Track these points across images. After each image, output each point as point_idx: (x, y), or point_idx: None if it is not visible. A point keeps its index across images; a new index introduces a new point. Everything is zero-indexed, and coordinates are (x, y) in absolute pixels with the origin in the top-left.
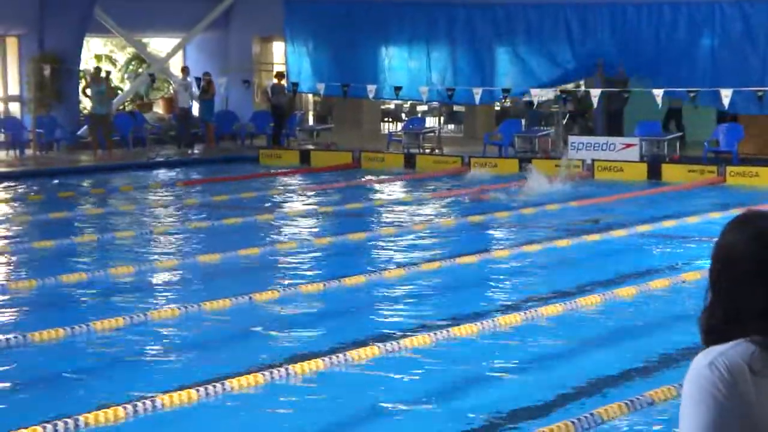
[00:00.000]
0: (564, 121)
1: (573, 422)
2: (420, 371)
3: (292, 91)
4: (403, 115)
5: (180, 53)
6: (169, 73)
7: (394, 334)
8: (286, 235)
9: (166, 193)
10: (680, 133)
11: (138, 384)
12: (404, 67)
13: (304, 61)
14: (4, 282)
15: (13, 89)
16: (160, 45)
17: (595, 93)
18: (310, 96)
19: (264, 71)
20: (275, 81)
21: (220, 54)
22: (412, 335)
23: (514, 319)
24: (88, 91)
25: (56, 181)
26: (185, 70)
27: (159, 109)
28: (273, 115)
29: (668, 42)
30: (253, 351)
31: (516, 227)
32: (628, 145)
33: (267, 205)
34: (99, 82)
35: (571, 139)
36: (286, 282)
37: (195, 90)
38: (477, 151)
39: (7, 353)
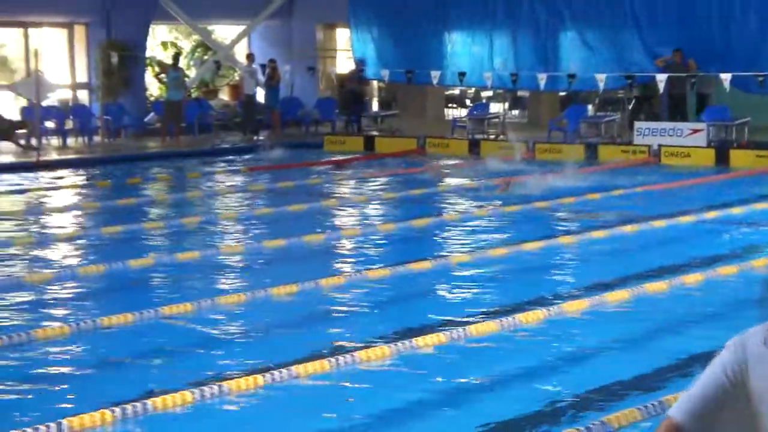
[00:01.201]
0: (630, 107)
1: (639, 409)
2: (484, 358)
3: (356, 78)
4: (468, 101)
5: (245, 40)
6: (234, 60)
7: (459, 320)
8: (350, 220)
9: (231, 180)
10: (747, 119)
11: (206, 369)
12: (467, 53)
13: (368, 47)
14: (73, 267)
15: (82, 77)
16: (225, 32)
17: (661, 78)
18: (375, 82)
19: (328, 58)
20: (352, 68)
21: (284, 41)
22: (477, 322)
23: (581, 305)
24: (163, 77)
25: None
26: (250, 56)
27: (224, 95)
28: (353, 102)
29: (739, 32)
30: (319, 337)
31: (581, 213)
32: (696, 131)
33: (331, 191)
34: (176, 68)
35: (637, 124)
36: (352, 267)
37: (260, 77)
38: (542, 137)
39: (77, 338)
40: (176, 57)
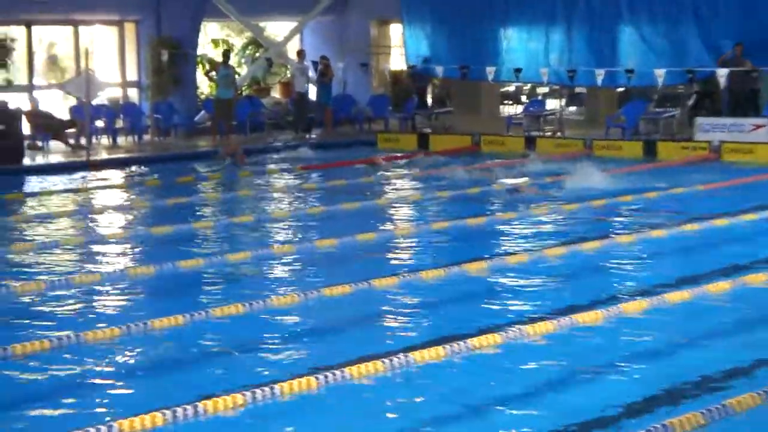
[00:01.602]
0: (691, 102)
1: (703, 413)
2: (541, 360)
3: (409, 74)
4: (524, 98)
5: (297, 37)
6: (286, 57)
7: (516, 320)
8: (404, 219)
9: (283, 178)
10: None
11: (258, 371)
12: (524, 49)
13: (422, 43)
14: (123, 268)
15: (132, 75)
16: (276, 29)
17: (722, 73)
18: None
19: (381, 54)
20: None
21: (337, 37)
22: (534, 322)
23: (641, 305)
24: (213, 75)
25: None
26: (302, 53)
27: (276, 93)
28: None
29: None
30: (373, 338)
31: (640, 212)
32: (759, 126)
33: (385, 189)
34: (227, 65)
35: (699, 120)
36: (406, 268)
37: (312, 74)
38: (599, 134)
39: (128, 340)
40: (227, 54)
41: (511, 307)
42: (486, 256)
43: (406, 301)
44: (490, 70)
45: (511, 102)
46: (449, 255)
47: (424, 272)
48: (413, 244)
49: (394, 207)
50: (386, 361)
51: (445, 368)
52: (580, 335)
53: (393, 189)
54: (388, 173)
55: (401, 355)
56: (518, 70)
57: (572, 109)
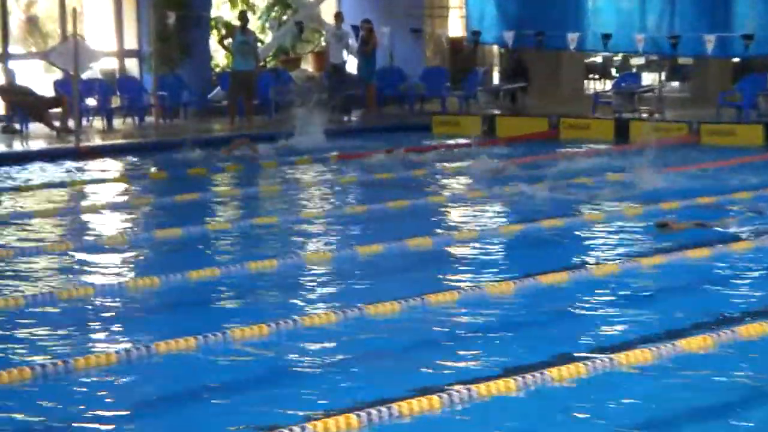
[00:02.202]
0: None
1: None
2: (634, 395)
3: (472, 42)
4: (614, 71)
5: None
6: (320, 20)
7: (604, 346)
8: (464, 221)
9: (316, 170)
10: None
11: (282, 409)
12: (614, 10)
13: (487, 5)
14: (120, 280)
15: (131, 43)
16: None
17: None
18: (495, 48)
19: (437, 18)
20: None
21: None
22: (626, 349)
23: (759, 328)
24: (227, 42)
25: (182, 155)
26: (339, 16)
27: (307, 65)
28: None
29: None
30: (427, 366)
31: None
32: None
33: (441, 184)
34: (244, 31)
35: None
36: (467, 280)
37: (352, 42)
38: (709, 115)
39: (127, 367)
40: (244, 17)
41: (595, 330)
42: (564, 266)
43: (468, 320)
44: (573, 37)
45: (598, 76)
46: (519, 265)
47: (489, 285)
48: (476, 252)
49: (452, 206)
50: (443, 395)
51: (514, 403)
52: (684, 365)
53: (451, 184)
54: (446, 164)
55: (461, 388)
56: (607, 37)
57: (674, 84)
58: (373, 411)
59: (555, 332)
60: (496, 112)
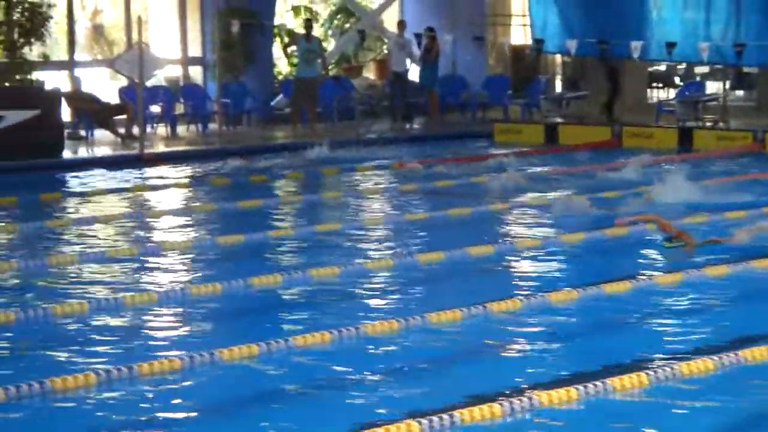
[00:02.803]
0: None
1: None
2: (698, 405)
3: (534, 50)
4: (677, 79)
5: (396, 4)
6: (382, 29)
7: (667, 356)
8: (527, 229)
9: (378, 178)
10: None
11: (346, 416)
12: (678, 19)
13: (550, 13)
14: (183, 286)
15: (195, 50)
16: None
17: None
18: (558, 56)
19: (500, 26)
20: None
21: (446, 5)
22: (689, 359)
23: None
24: (291, 50)
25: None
26: (402, 24)
27: (370, 73)
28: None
29: None
30: (489, 375)
31: None
32: None
33: (503, 192)
34: (309, 38)
35: None
36: (530, 288)
37: (414, 50)
38: None
39: (190, 373)
40: (309, 24)
41: (661, 339)
42: (627, 275)
43: (531, 329)
44: (636, 46)
45: (661, 85)
46: (584, 273)
47: (552, 294)
48: (539, 260)
49: (515, 213)
50: (505, 403)
51: (575, 413)
52: (748, 375)
53: (513, 191)
54: (508, 172)
55: (524, 397)
56: (671, 45)
57: (739, 93)
58: (435, 418)
59: (618, 341)
60: (559, 120)
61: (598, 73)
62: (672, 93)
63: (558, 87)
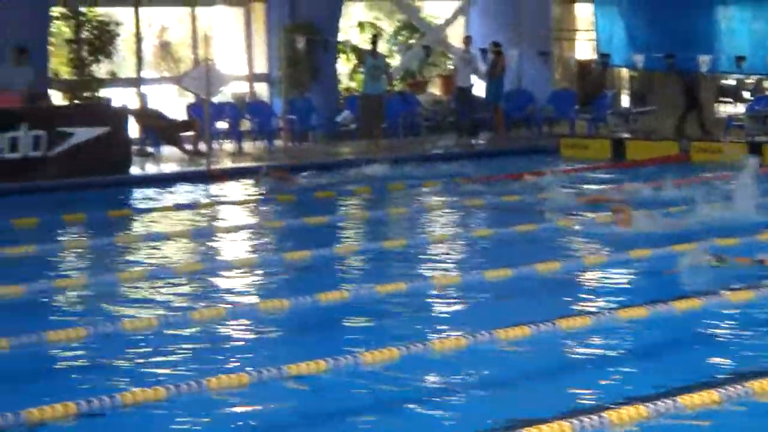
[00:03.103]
0: None
1: None
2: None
3: (601, 65)
4: (747, 94)
5: (461, 19)
6: (447, 44)
7: (739, 373)
8: (595, 245)
9: (444, 193)
10: None
11: (419, 427)
12: (746, 31)
13: (616, 27)
14: (250, 301)
15: (260, 67)
16: (436, 9)
17: None
18: (624, 71)
19: (566, 40)
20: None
21: (511, 20)
22: (762, 377)
23: None
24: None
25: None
26: (468, 40)
27: (435, 89)
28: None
29: None
30: (558, 393)
31: None
32: None
33: (570, 208)
34: (375, 54)
35: None
36: (599, 305)
37: (480, 65)
38: None
39: (258, 389)
40: (375, 40)
41: (729, 357)
42: (698, 291)
43: (600, 346)
44: (704, 59)
45: (730, 99)
46: (654, 290)
47: (622, 311)
48: (608, 276)
49: (581, 229)
50: (574, 421)
51: (650, 430)
52: None
53: (582, 207)
54: (578, 187)
55: (594, 416)
56: (740, 59)
57: None
58: None
59: (688, 358)
60: (626, 135)
61: (674, 88)
62: (741, 108)
63: (625, 102)
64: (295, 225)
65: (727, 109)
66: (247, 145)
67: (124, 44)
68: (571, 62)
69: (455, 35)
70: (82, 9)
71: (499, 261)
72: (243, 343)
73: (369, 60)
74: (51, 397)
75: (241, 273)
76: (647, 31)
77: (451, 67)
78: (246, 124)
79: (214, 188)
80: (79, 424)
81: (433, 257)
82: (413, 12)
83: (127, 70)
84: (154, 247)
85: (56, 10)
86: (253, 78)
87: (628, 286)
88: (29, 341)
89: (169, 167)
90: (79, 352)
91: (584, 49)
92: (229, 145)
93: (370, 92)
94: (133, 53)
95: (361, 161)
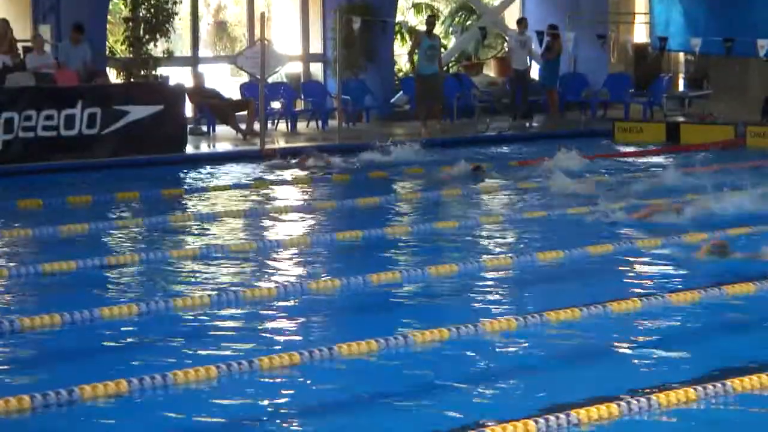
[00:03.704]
0: None
1: None
2: None
3: (658, 48)
4: None
5: (517, 1)
6: (503, 26)
7: None
8: (647, 229)
9: (497, 176)
10: None
11: (468, 408)
12: None
13: (674, 10)
14: (302, 281)
15: (316, 47)
16: None
17: None
18: (681, 54)
19: (623, 24)
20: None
21: (568, 3)
22: None
23: None
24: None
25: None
26: (523, 22)
27: (490, 71)
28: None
29: None
30: (608, 375)
31: None
32: None
33: (623, 191)
34: (432, 35)
35: None
36: (651, 288)
37: (535, 47)
38: None
39: (308, 368)
40: (433, 21)
41: None
42: (752, 276)
43: (651, 329)
44: (762, 44)
45: None
46: (703, 274)
47: (673, 294)
48: (659, 260)
49: (634, 213)
50: (622, 403)
51: (694, 413)
52: None
53: (637, 190)
54: (631, 169)
55: (642, 397)
56: None
57: None
58: (551, 418)
59: (739, 343)
60: (681, 119)
61: (730, 72)
62: None
63: (681, 86)
64: (347, 205)
65: None
66: (301, 126)
67: (181, 23)
68: (627, 46)
69: (511, 17)
70: None
71: (551, 243)
72: (294, 322)
73: (425, 41)
74: (102, 375)
75: (293, 252)
76: (705, 15)
77: (507, 50)
78: (300, 105)
79: (267, 168)
80: (129, 401)
81: (486, 239)
82: None
83: (183, 49)
84: (206, 226)
85: None
86: (308, 58)
87: (683, 269)
88: (81, 318)
89: (223, 146)
90: (130, 329)
91: (641, 33)
92: (282, 126)
93: (426, 72)
94: (190, 32)
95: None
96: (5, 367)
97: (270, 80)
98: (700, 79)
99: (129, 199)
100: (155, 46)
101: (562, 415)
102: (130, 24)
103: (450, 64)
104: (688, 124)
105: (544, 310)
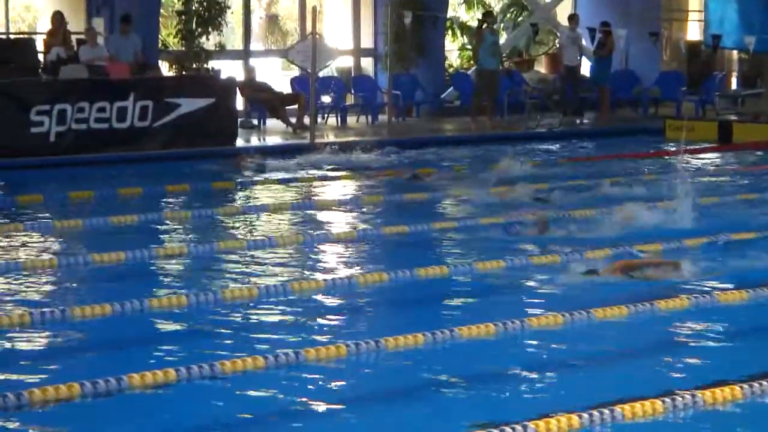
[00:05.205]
0: None
1: None
2: None
3: (711, 46)
4: None
5: None
6: (555, 22)
7: None
8: (696, 225)
9: (547, 172)
10: None
11: (513, 404)
12: None
13: (728, 8)
14: (350, 274)
15: (367, 41)
16: None
17: None
18: (734, 52)
19: (675, 21)
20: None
21: None
22: None
23: None
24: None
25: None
26: (574, 18)
27: (541, 67)
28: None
29: None
30: (651, 370)
31: None
32: None
33: (670, 189)
34: (493, 31)
35: None
36: (699, 289)
37: (587, 44)
38: None
39: (355, 361)
40: (489, 15)
41: None
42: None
43: (696, 327)
44: None
45: None
46: (752, 273)
47: (722, 294)
48: (707, 259)
49: (683, 210)
50: (667, 400)
51: (742, 414)
52: None
53: (687, 189)
54: (682, 168)
55: (687, 395)
56: None
57: None
58: (596, 413)
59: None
60: (733, 117)
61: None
62: None
63: (734, 84)
64: (395, 200)
65: None
66: (351, 120)
67: (233, 16)
68: (680, 43)
69: (563, 13)
70: None
71: (598, 241)
72: (341, 315)
73: (489, 36)
74: (152, 364)
75: (341, 246)
76: (760, 13)
77: (558, 46)
78: (350, 99)
79: (317, 161)
80: (178, 390)
81: (532, 235)
82: None
83: (235, 42)
84: (255, 219)
85: None
86: (359, 53)
87: (728, 268)
88: (131, 308)
89: (274, 140)
90: (179, 320)
91: (694, 31)
92: (333, 119)
93: (490, 67)
94: (242, 25)
95: (466, 139)
96: (56, 355)
97: (321, 74)
98: (754, 77)
99: (179, 191)
100: (207, 39)
101: (606, 411)
102: (183, 17)
103: (502, 60)
104: (740, 123)
105: (591, 307)
